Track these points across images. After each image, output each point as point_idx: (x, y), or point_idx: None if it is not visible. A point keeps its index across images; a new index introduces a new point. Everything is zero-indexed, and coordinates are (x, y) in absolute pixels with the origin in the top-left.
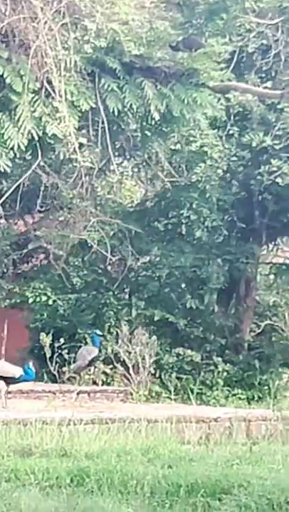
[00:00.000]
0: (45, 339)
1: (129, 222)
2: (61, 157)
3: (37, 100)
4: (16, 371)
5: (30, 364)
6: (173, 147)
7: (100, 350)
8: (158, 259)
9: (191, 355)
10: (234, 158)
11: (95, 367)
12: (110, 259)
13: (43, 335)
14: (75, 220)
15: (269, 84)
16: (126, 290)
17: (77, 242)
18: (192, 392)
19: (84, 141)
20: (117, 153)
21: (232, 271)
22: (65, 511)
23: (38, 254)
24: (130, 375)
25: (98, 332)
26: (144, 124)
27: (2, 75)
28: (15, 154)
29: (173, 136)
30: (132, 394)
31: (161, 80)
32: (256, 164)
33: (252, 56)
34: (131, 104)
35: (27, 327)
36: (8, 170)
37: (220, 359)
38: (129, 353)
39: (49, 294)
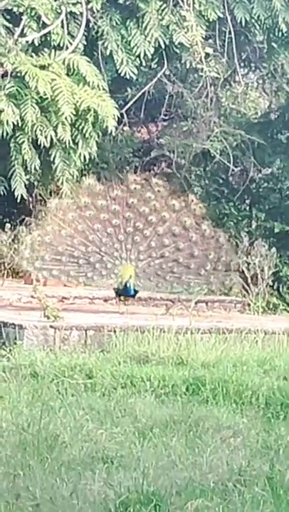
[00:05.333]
0: None
1: (253, 134)
2: (187, 66)
3: (165, 8)
4: None
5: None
6: None
7: None
8: (280, 171)
9: None
10: None
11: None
12: (232, 170)
13: None
14: (199, 129)
15: None
16: (247, 201)
17: (199, 152)
18: None
19: (210, 51)
20: (242, 64)
21: None
22: (179, 419)
23: (160, 163)
24: (248, 286)
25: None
26: (271, 35)
27: None
28: (141, 62)
29: None
30: (249, 305)
31: None
32: None
33: None
34: (258, 15)
35: None
36: (134, 77)
37: None
38: (248, 264)
39: None
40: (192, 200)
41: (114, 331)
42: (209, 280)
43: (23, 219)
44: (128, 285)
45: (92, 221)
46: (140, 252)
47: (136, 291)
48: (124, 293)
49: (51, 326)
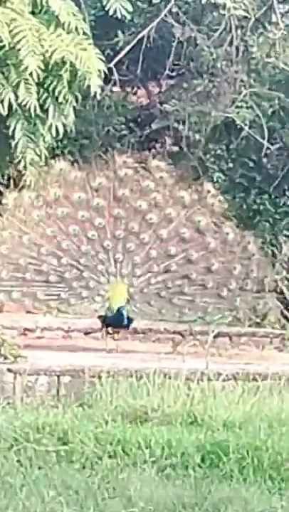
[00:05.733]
0: None
1: None
2: (202, 1)
3: None
4: None
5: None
6: None
7: None
8: None
9: None
10: None
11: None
12: (267, 148)
13: None
14: (220, 91)
15: None
16: (287, 193)
17: (220, 123)
18: None
19: None
20: None
21: None
22: (192, 502)
23: (164, 138)
24: None
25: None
26: None
27: None
28: None
29: None
30: None
31: None
32: None
33: None
34: None
35: None
36: (128, 17)
37: None
38: None
39: None
40: (208, 191)
41: (100, 377)
42: (234, 304)
43: None
44: (121, 311)
45: (65, 222)
46: (136, 265)
47: (130, 320)
48: (114, 322)
49: (9, 370)
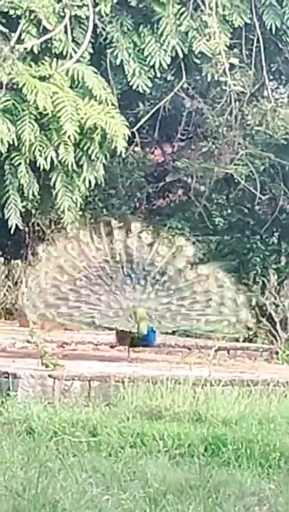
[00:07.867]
0: None
1: (283, 157)
2: (208, 79)
3: (184, 13)
4: None
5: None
6: None
7: None
8: None
9: None
10: None
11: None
12: (259, 198)
13: None
14: (221, 151)
15: None
16: (275, 234)
17: (221, 177)
18: None
19: (235, 61)
20: (272, 77)
21: None
22: (197, 483)
23: (176, 189)
24: (277, 331)
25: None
26: None
27: None
28: (155, 73)
29: None
30: (277, 353)
31: None
32: None
33: None
34: None
35: None
36: (147, 91)
37: None
38: (277, 306)
39: (187, 234)
40: (181, 246)
41: (122, 382)
42: (221, 314)
43: (20, 252)
44: (147, 336)
45: (88, 262)
46: (143, 293)
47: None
48: (141, 343)
49: (50, 376)
